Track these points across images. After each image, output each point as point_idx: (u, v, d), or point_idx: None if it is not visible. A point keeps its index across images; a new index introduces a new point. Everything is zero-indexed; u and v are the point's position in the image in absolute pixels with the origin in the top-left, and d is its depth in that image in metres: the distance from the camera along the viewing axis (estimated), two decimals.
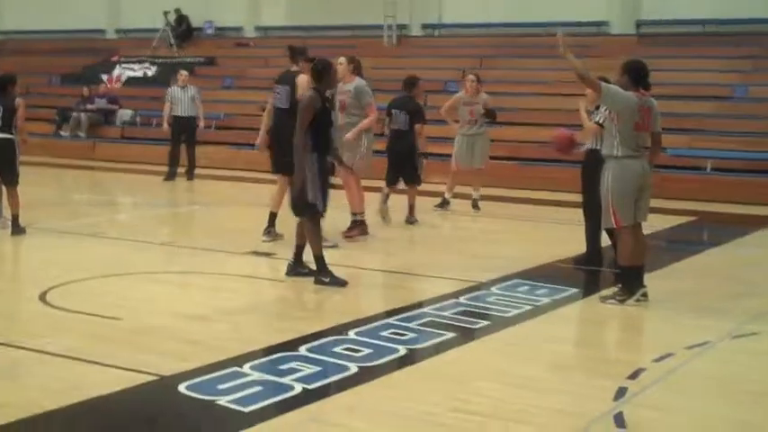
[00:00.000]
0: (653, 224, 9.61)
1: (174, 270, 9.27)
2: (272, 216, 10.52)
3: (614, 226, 8.00)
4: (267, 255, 9.78)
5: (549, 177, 17.09)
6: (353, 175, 10.95)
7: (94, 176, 19.05)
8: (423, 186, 14.41)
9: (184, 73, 17.40)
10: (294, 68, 10.12)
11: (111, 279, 8.69)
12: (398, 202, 12.48)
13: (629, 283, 7.92)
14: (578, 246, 10.46)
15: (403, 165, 12.28)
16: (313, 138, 8.35)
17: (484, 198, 13.83)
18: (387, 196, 12.30)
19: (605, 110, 8.41)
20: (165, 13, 26.30)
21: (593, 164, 8.66)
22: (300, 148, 8.28)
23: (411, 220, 12.49)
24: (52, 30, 28.65)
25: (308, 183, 8.32)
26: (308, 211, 8.44)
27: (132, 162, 19.87)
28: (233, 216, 13.52)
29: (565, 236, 12.03)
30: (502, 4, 22.86)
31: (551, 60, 21.22)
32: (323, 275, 8.39)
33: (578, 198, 14.97)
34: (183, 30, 26.59)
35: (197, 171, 17.53)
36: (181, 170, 17.38)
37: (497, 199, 14.45)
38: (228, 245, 10.36)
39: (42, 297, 7.72)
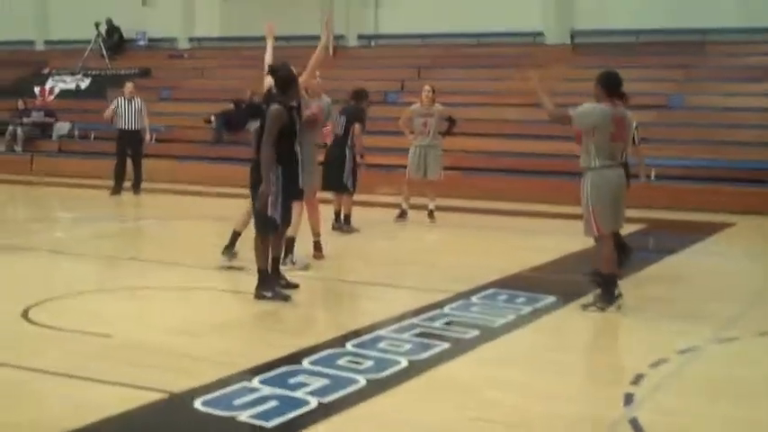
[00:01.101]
0: None
1: (149, 285, 9.17)
2: (236, 235, 9.98)
3: (595, 234, 8.20)
4: (239, 268, 9.71)
5: (493, 188, 17.37)
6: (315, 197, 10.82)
7: (35, 192, 18.72)
8: (373, 197, 14.63)
9: (130, 85, 17.22)
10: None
11: (88, 295, 8.63)
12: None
13: (610, 290, 8.12)
14: (541, 254, 10.76)
15: (335, 170, 12.30)
16: (277, 152, 8.33)
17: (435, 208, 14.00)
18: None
19: None
20: (97, 24, 25.95)
21: None
22: (268, 162, 8.24)
23: (345, 228, 12.55)
24: None
25: (269, 197, 8.31)
26: (267, 227, 8.43)
27: (71, 176, 19.61)
28: (190, 230, 13.43)
29: (523, 244, 12.33)
30: (438, 14, 23.03)
31: (489, 70, 21.68)
32: (265, 290, 8.33)
33: (525, 207, 15.49)
34: (115, 41, 26.30)
35: (142, 185, 17.39)
36: (126, 184, 17.22)
37: (447, 209, 14.58)
38: (196, 259, 10.29)
39: (25, 315, 7.60)
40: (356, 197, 12.83)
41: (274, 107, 8.34)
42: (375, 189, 16.53)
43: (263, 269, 8.39)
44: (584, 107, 8.16)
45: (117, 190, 16.98)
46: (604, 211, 8.09)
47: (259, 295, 8.31)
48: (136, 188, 17.19)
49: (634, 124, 9.80)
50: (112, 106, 17.08)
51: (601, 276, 8.23)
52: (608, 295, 8.09)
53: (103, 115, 17.47)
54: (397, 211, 13.83)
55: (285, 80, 8.48)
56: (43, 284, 9.11)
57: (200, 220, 14.25)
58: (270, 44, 9.86)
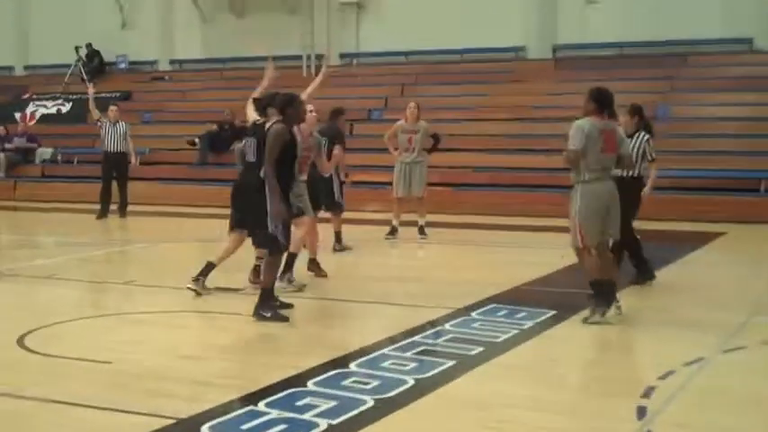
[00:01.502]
0: None
1: (146, 310, 9.03)
2: (210, 267, 9.52)
3: (580, 245, 8.19)
4: (235, 290, 9.61)
5: (481, 202, 17.38)
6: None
7: (20, 217, 18.57)
8: (361, 215, 14.55)
9: (114, 108, 17.11)
10: (261, 120, 9.01)
11: (83, 322, 8.48)
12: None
13: (604, 294, 8.11)
14: (534, 268, 10.73)
15: (324, 189, 12.11)
16: (277, 171, 8.26)
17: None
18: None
19: (639, 142, 9.62)
20: (77, 48, 25.84)
21: (624, 191, 8.89)
22: (273, 182, 8.18)
23: (338, 248, 12.50)
24: None
25: (270, 215, 8.24)
26: (270, 244, 8.37)
27: (55, 201, 19.49)
28: (181, 253, 13.30)
29: (515, 258, 12.30)
30: (419, 31, 23.02)
31: (472, 86, 21.68)
32: (264, 310, 8.23)
33: (513, 222, 15.47)
34: (96, 65, 26.17)
35: (128, 208, 17.26)
36: (111, 207, 17.09)
37: (437, 225, 14.54)
38: (188, 282, 10.14)
39: (21, 343, 7.46)
40: (344, 215, 12.78)
41: (277, 126, 8.26)
42: (362, 206, 16.50)
43: (269, 289, 8.30)
44: (577, 126, 8.17)
45: (103, 213, 16.84)
46: (591, 223, 8.12)
47: (259, 315, 8.21)
48: (122, 211, 17.06)
49: (646, 137, 9.84)
50: (100, 124, 16.92)
51: (592, 284, 8.21)
52: (603, 300, 8.08)
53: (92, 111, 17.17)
54: (387, 229, 13.77)
55: (285, 100, 8.41)
56: (36, 311, 9.01)
57: (187, 242, 14.18)
58: (267, 77, 9.65)
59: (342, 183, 12.45)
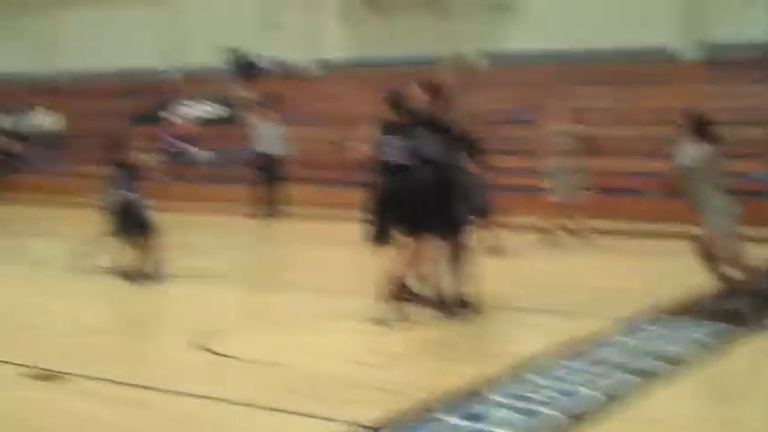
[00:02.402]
0: None
1: (316, 314, 9.08)
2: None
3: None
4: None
5: (634, 208, 16.95)
6: None
7: (176, 219, 18.93)
8: (513, 220, 14.48)
9: (267, 110, 17.43)
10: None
11: (254, 325, 8.75)
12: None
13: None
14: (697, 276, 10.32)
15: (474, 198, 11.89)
16: None
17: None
18: None
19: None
20: (227, 51, 26.32)
21: None
22: None
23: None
24: (107, 71, 28.87)
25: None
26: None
27: (211, 201, 19.82)
28: (340, 257, 13.21)
29: (674, 266, 11.76)
30: (566, 31, 22.70)
31: (620, 88, 21.18)
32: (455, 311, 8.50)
33: (661, 228, 15.03)
34: (245, 67, 26.55)
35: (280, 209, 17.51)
36: (265, 209, 17.37)
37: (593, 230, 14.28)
38: (351, 286, 10.17)
39: (194, 344, 7.64)
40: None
41: None
42: (513, 211, 16.28)
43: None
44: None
45: (261, 215, 17.08)
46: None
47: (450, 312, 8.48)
48: (275, 213, 17.30)
49: None
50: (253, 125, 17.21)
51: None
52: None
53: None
54: (545, 235, 13.64)
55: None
56: (205, 313, 9.23)
57: (346, 245, 14.21)
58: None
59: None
